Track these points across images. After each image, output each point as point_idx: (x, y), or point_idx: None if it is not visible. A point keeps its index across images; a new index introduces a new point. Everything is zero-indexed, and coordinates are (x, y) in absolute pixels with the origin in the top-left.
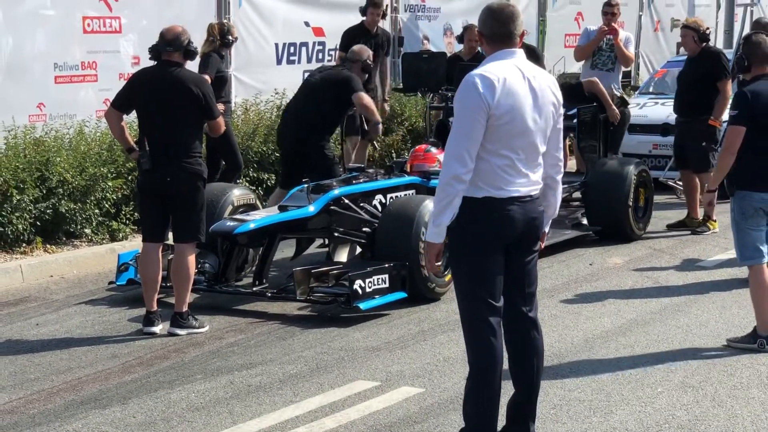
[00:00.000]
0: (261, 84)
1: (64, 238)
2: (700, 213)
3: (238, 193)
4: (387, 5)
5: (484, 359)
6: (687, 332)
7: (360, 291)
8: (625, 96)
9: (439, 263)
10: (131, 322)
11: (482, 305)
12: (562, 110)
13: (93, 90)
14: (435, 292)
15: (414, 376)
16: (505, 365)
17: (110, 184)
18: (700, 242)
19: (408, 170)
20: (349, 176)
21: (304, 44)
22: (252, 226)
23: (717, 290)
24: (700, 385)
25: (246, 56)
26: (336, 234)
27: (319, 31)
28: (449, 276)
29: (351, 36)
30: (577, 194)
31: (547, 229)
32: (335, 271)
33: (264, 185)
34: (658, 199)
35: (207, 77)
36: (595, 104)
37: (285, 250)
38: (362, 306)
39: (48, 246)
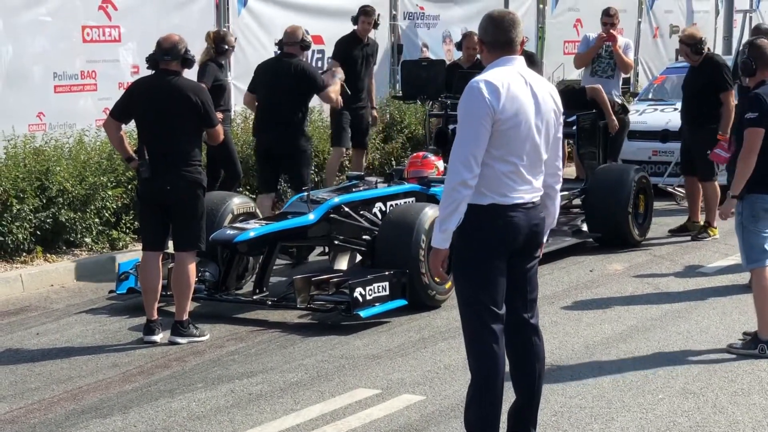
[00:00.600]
0: None
1: (64, 248)
2: (701, 217)
3: (237, 202)
4: (389, 14)
5: (486, 365)
6: (688, 338)
7: (360, 299)
8: (626, 103)
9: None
10: (132, 331)
11: (485, 311)
12: (561, 118)
13: (93, 99)
14: (435, 299)
15: (415, 383)
16: (507, 371)
17: (110, 193)
18: (701, 248)
19: (405, 176)
20: (348, 184)
21: None
22: (252, 234)
23: (717, 296)
24: (701, 391)
25: (245, 64)
26: (336, 242)
27: (318, 39)
28: (449, 284)
29: (344, 45)
30: (577, 201)
31: (545, 239)
32: (335, 279)
33: None
34: (657, 205)
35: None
36: (594, 111)
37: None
38: (363, 314)
39: (48, 255)
